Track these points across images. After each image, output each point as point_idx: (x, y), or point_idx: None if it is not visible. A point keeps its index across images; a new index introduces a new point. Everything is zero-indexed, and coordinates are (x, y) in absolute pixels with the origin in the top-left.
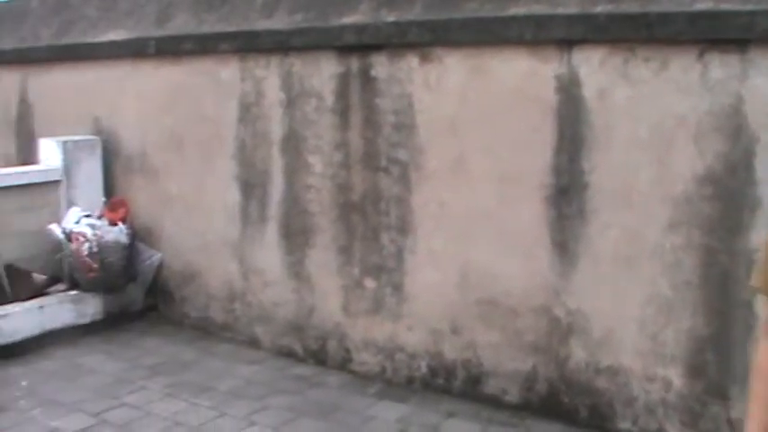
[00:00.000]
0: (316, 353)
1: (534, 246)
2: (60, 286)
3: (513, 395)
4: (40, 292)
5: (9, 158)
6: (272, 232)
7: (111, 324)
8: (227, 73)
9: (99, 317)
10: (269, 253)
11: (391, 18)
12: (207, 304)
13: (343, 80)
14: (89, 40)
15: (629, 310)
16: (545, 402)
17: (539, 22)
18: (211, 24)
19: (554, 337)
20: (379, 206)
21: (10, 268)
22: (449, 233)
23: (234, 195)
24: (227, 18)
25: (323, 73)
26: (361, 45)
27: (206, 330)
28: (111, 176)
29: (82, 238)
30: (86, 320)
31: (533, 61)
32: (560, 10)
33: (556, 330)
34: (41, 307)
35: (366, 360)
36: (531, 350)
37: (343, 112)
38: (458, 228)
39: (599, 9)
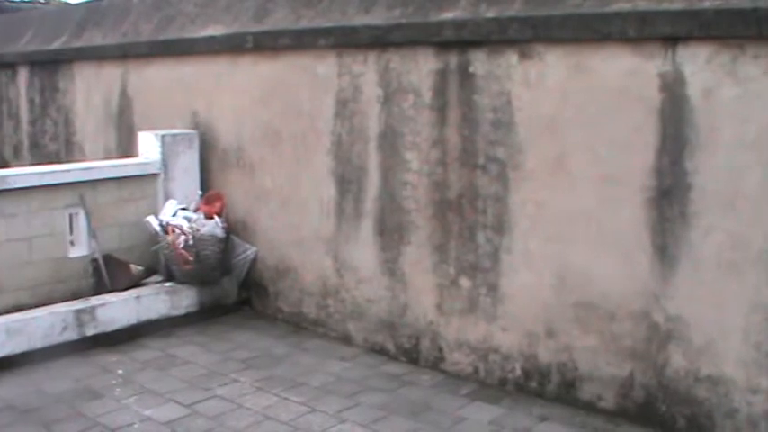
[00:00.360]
0: (408, 351)
1: (634, 249)
2: (156, 277)
3: (609, 401)
4: (136, 282)
5: (109, 151)
6: (366, 229)
7: (204, 316)
8: (323, 68)
9: (193, 309)
10: (363, 249)
11: (491, 14)
12: (300, 299)
13: (441, 76)
14: (188, 35)
15: (732, 318)
16: (641, 410)
17: (643, 18)
18: (309, 20)
19: (652, 342)
20: (476, 205)
21: (109, 258)
22: (546, 234)
23: (329, 191)
24: (325, 13)
25: (421, 69)
26: (459, 41)
27: (298, 325)
28: (208, 170)
29: (178, 231)
30: (181, 312)
31: (636, 59)
32: (665, 5)
33: (654, 336)
34: (138, 297)
35: (459, 360)
36: (628, 356)
37: (440, 108)
38: (555, 228)
39: (706, 4)
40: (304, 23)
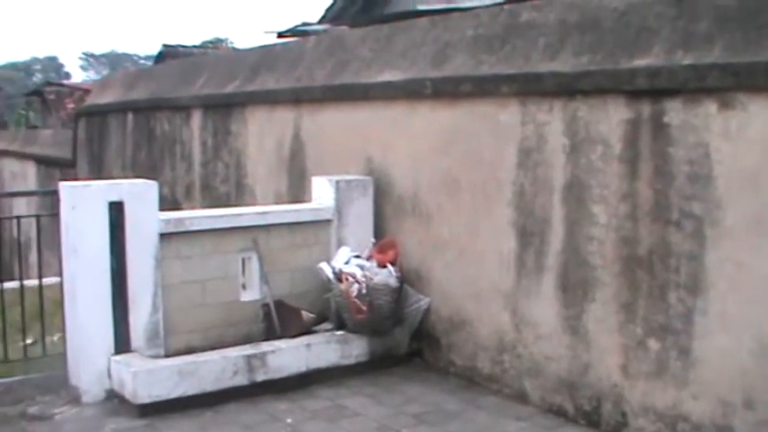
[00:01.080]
0: (588, 414)
1: None
2: (326, 325)
3: None
4: (307, 329)
5: (280, 195)
6: (548, 283)
7: (374, 367)
8: (506, 116)
9: (363, 359)
10: (544, 305)
11: (687, 61)
12: (474, 353)
13: (633, 126)
14: (363, 80)
15: None
16: None
17: None
18: (490, 66)
19: None
20: (668, 262)
21: (280, 304)
22: (746, 296)
23: (509, 243)
24: (507, 59)
25: (610, 118)
26: (653, 89)
27: (471, 380)
28: (381, 217)
29: (352, 279)
30: (351, 362)
31: None
32: None
33: None
34: (309, 345)
35: (644, 426)
36: None
37: (631, 160)
38: (757, 291)
39: None
40: (485, 69)
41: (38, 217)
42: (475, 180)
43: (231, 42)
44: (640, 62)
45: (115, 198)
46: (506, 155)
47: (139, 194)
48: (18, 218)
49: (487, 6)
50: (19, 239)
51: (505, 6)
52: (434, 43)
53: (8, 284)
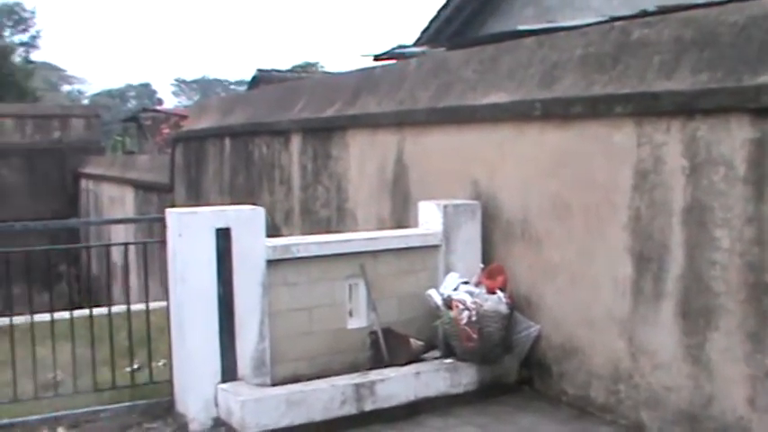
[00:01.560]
0: None
1: None
2: (435, 353)
3: None
4: (415, 357)
5: (382, 219)
6: (667, 311)
7: (483, 395)
8: (620, 137)
9: (472, 387)
10: (662, 333)
11: None
12: (587, 382)
13: (758, 146)
14: (468, 102)
15: None
16: None
17: None
18: (602, 86)
19: None
20: None
21: (388, 331)
22: None
23: (625, 268)
24: (620, 79)
25: (733, 138)
26: None
27: (583, 410)
28: (489, 242)
29: (461, 306)
30: (459, 390)
31: None
32: None
33: None
34: (417, 373)
35: None
36: None
37: (756, 182)
38: None
39: None
40: (597, 90)
41: (144, 243)
42: (587, 203)
43: (321, 66)
44: (765, 79)
45: (222, 225)
46: (621, 177)
47: (246, 221)
48: (126, 244)
49: (594, 24)
50: (126, 265)
51: (615, 24)
52: (542, 63)
53: (105, 310)
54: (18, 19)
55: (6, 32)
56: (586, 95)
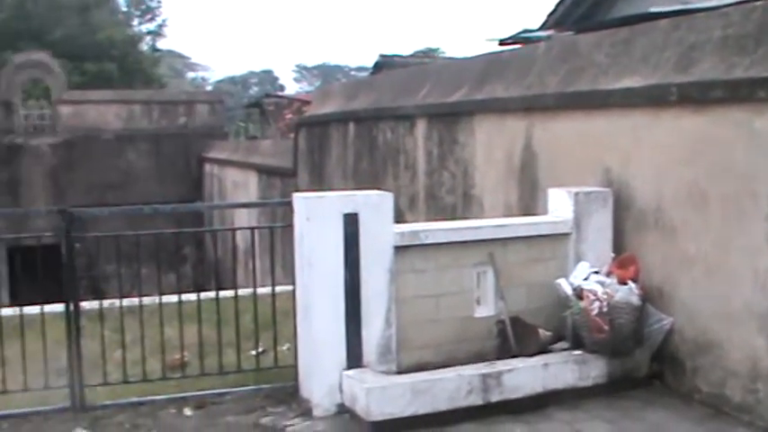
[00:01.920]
0: None
1: None
2: (562, 344)
3: None
4: (543, 348)
5: (509, 206)
6: None
7: (612, 389)
8: (762, 123)
9: (601, 380)
10: None
11: None
12: (723, 379)
13: None
14: (599, 87)
15: None
16: None
17: None
18: (744, 69)
19: None
20: None
21: (516, 321)
22: None
23: (766, 261)
24: (763, 62)
25: None
26: None
27: (718, 409)
28: (620, 231)
29: (592, 296)
30: (588, 383)
31: None
32: None
33: None
34: (546, 365)
35: None
36: None
37: None
38: None
39: None
40: (738, 73)
41: (271, 228)
42: (725, 192)
43: (442, 52)
44: None
45: (350, 210)
46: (763, 165)
47: (374, 206)
48: (252, 228)
49: (733, 4)
50: (253, 250)
51: (758, 3)
52: (678, 46)
53: (230, 293)
54: (145, 8)
55: (135, 22)
56: (726, 79)
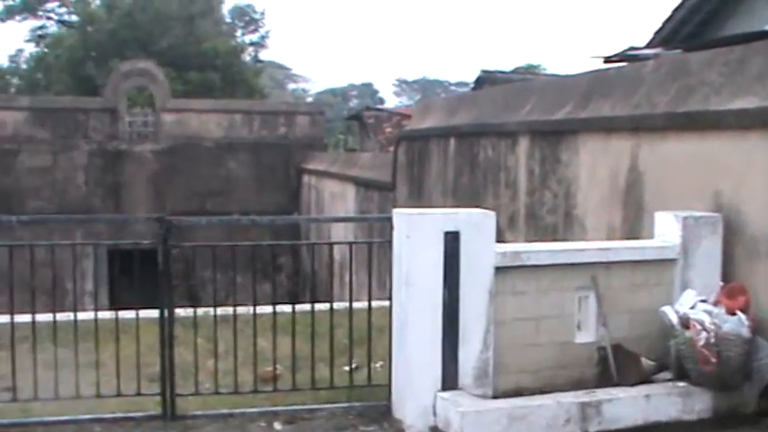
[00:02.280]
0: None
1: None
2: (666, 374)
3: None
4: (646, 378)
5: (613, 229)
6: None
7: (718, 425)
8: None
9: (706, 415)
10: None
11: None
12: None
13: None
14: (712, 107)
15: None
16: None
17: None
18: None
19: None
20: None
21: (618, 348)
22: None
23: None
24: None
25: None
26: None
27: None
28: (729, 259)
29: (699, 326)
30: (692, 417)
31: None
32: None
33: None
34: (648, 396)
35: None
36: None
37: None
38: None
39: None
40: None
41: (369, 243)
42: None
43: (544, 68)
44: None
45: (451, 228)
46: None
47: (476, 225)
48: (351, 243)
49: None
50: (351, 265)
51: None
52: None
53: (324, 306)
54: (249, 20)
55: (238, 33)
56: None
